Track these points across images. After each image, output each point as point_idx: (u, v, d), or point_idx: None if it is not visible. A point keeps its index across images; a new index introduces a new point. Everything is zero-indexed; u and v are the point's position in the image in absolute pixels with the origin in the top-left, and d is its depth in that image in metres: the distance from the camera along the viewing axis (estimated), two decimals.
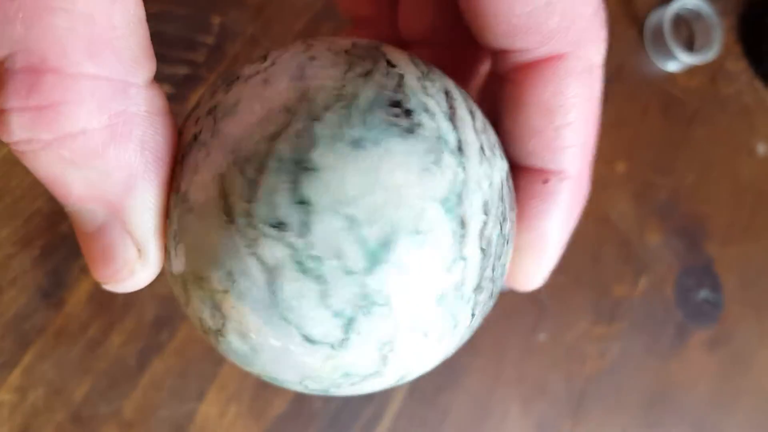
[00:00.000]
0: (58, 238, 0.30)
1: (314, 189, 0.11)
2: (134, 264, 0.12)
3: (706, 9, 0.40)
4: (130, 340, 0.30)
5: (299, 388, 0.13)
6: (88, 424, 0.29)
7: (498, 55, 0.14)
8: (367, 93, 0.12)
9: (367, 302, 0.11)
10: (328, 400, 0.32)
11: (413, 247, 0.11)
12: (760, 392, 0.39)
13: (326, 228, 0.11)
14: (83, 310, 0.30)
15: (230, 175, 0.11)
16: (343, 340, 0.12)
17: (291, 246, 0.11)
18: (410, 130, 0.12)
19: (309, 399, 0.32)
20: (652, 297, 0.38)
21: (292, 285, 0.11)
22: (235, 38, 0.34)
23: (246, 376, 0.31)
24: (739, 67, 0.42)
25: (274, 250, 0.11)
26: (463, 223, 0.12)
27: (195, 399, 0.31)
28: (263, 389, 0.32)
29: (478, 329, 0.36)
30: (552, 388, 0.36)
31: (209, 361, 0.31)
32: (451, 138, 0.12)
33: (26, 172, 0.30)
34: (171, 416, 0.30)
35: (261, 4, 0.35)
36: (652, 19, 0.40)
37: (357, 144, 0.11)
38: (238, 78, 0.13)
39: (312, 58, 0.13)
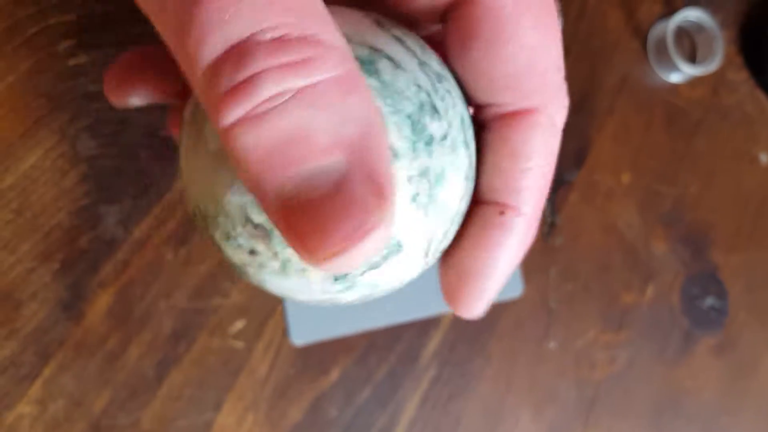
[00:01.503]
0: (78, 253, 0.30)
1: None
2: (378, 211, 0.12)
3: (708, 21, 0.41)
4: (148, 352, 0.31)
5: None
6: None
7: (482, 107, 0.16)
8: None
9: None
10: (343, 408, 0.33)
11: None
12: (766, 397, 0.40)
13: None
14: (102, 323, 0.30)
15: None
16: None
17: None
18: None
19: (324, 408, 0.33)
20: (659, 304, 0.39)
21: None
22: None
23: (263, 386, 0.32)
24: (741, 77, 0.43)
25: None
26: None
27: (212, 409, 0.31)
28: (280, 399, 0.32)
29: (490, 337, 0.36)
30: (562, 394, 0.36)
31: (226, 371, 0.31)
32: None
33: (46, 188, 0.30)
34: (189, 426, 0.31)
35: None
36: (655, 31, 0.41)
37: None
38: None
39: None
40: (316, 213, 0.11)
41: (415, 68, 0.15)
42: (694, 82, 0.42)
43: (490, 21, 0.15)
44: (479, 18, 0.15)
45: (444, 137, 0.15)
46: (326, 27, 0.12)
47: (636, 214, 0.39)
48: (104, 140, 0.31)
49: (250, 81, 0.11)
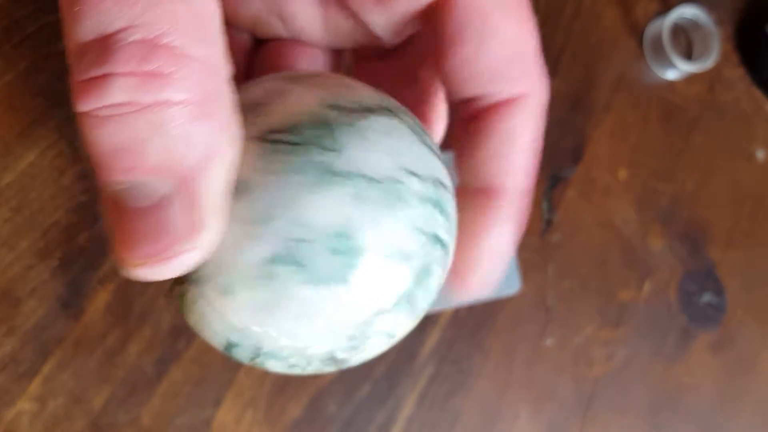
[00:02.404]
0: (77, 250, 0.30)
1: None
2: (187, 242, 0.12)
3: (704, 18, 0.41)
4: (147, 348, 0.31)
5: None
6: None
7: (468, 102, 0.17)
8: None
9: None
10: (342, 404, 0.33)
11: None
12: (764, 393, 0.40)
13: None
14: (101, 319, 0.30)
15: None
16: None
17: None
18: None
19: (324, 404, 0.33)
20: (657, 301, 0.39)
21: None
22: None
23: (262, 382, 0.32)
24: (737, 74, 0.43)
25: None
26: None
27: (212, 406, 0.31)
28: (279, 395, 0.32)
29: (488, 334, 0.36)
30: (560, 392, 0.36)
31: (225, 368, 0.32)
32: None
33: (45, 186, 0.30)
34: (188, 423, 0.31)
35: None
36: (651, 29, 0.41)
37: None
38: None
39: None
40: (130, 223, 0.12)
41: (442, 168, 0.16)
42: (690, 79, 0.42)
43: (477, 18, 0.15)
44: (465, 17, 0.15)
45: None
46: (203, 41, 0.11)
47: (633, 211, 0.39)
48: None
49: (101, 80, 0.11)
